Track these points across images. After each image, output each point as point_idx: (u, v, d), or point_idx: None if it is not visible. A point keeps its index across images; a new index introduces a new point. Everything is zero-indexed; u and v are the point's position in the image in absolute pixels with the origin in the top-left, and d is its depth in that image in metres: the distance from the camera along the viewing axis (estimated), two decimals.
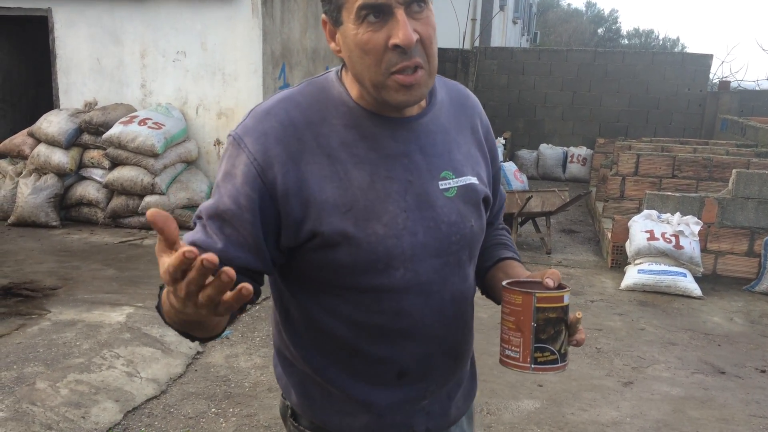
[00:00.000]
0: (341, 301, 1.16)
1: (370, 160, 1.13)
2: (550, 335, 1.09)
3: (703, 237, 5.70)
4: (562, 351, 1.11)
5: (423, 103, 1.21)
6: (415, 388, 1.23)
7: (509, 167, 8.98)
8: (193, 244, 1.08)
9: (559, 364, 1.12)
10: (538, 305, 1.08)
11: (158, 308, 1.07)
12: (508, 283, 1.14)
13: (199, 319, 0.94)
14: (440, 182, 1.17)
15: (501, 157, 9.52)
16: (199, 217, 1.12)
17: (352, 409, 1.22)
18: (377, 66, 1.06)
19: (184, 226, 6.34)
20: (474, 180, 1.22)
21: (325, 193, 1.09)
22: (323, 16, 1.13)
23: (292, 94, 1.16)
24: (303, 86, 1.18)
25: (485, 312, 4.36)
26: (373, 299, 1.15)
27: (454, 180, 1.19)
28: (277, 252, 1.13)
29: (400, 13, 1.04)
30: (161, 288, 1.03)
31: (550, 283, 1.12)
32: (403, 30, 1.03)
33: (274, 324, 1.30)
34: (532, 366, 1.11)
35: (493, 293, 1.34)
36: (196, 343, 3.95)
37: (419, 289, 1.16)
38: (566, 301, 1.11)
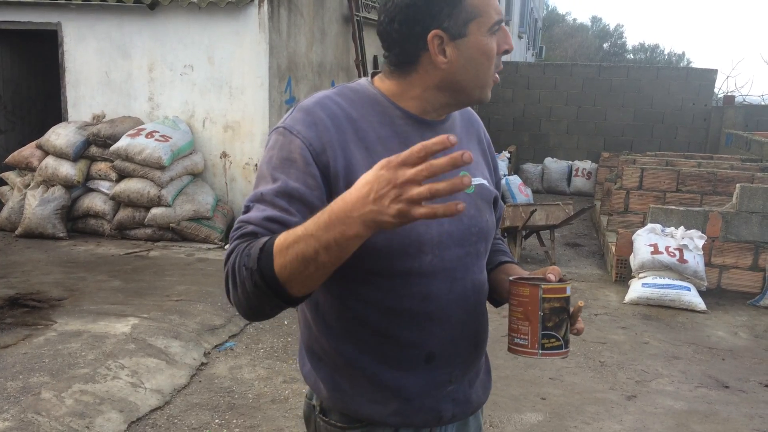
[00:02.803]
0: (372, 287, 1.24)
1: None
2: (555, 323, 1.21)
3: (708, 251, 5.70)
4: (566, 338, 1.23)
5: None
6: (441, 372, 1.31)
7: (514, 181, 9.00)
8: (269, 219, 1.12)
9: (564, 350, 1.23)
10: (544, 296, 1.20)
11: (258, 270, 1.05)
12: (515, 278, 1.27)
13: (349, 244, 0.99)
14: None
15: (506, 171, 9.54)
16: (259, 200, 1.15)
17: (382, 397, 1.28)
18: (491, 68, 1.25)
19: (190, 238, 6.39)
20: (485, 182, 1.36)
21: None
22: (435, 31, 1.20)
23: (330, 94, 1.27)
24: (339, 89, 1.29)
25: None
26: (404, 283, 1.23)
27: (471, 179, 1.27)
28: None
29: (504, 27, 1.26)
30: (261, 250, 1.05)
31: (552, 278, 1.23)
32: (511, 38, 1.27)
33: (303, 321, 1.35)
34: (540, 351, 1.22)
35: (494, 294, 1.44)
36: (201, 353, 3.97)
37: (445, 274, 1.26)
38: (568, 292, 1.23)
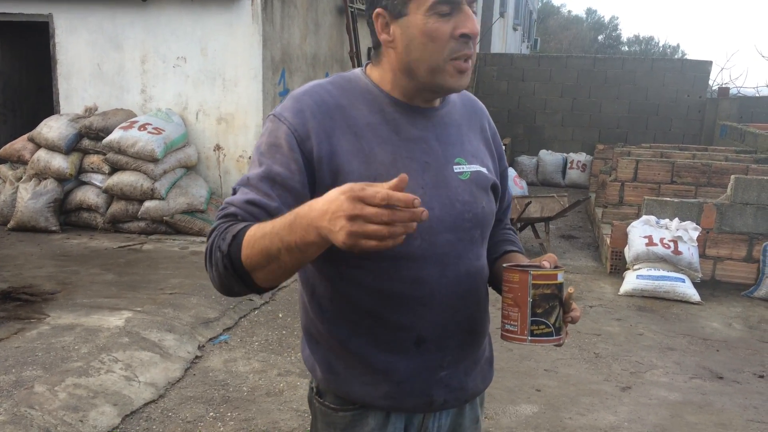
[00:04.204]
0: (362, 271, 1.26)
1: (392, 142, 1.26)
2: (545, 310, 1.20)
3: (702, 242, 5.71)
4: (557, 325, 1.22)
5: (438, 100, 1.34)
6: (432, 356, 1.31)
7: (509, 173, 8.98)
8: (249, 202, 1.18)
9: (554, 337, 1.22)
10: (533, 282, 1.20)
11: (227, 254, 1.12)
12: (508, 265, 1.27)
13: (309, 250, 1.05)
14: (454, 167, 1.31)
15: (504, 151, 9.50)
16: (245, 184, 1.21)
17: (374, 379, 1.30)
18: (440, 52, 1.20)
19: (183, 231, 6.36)
20: (483, 169, 1.35)
21: (352, 166, 1.22)
22: (378, 9, 1.23)
23: (323, 82, 1.30)
24: (332, 78, 1.32)
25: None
26: (393, 267, 1.25)
27: (467, 166, 1.33)
28: None
29: (467, 8, 1.20)
30: (234, 237, 1.11)
31: (546, 264, 1.24)
32: (471, 22, 1.20)
33: (301, 305, 1.40)
34: (529, 338, 1.21)
35: (498, 283, 1.42)
36: (195, 347, 3.95)
37: (436, 259, 1.27)
38: (560, 279, 1.22)
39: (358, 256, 1.22)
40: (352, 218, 0.96)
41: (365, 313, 1.28)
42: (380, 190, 0.96)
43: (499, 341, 1.36)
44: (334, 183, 1.18)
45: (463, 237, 1.30)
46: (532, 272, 1.19)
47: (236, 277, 1.13)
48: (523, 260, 1.39)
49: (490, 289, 1.45)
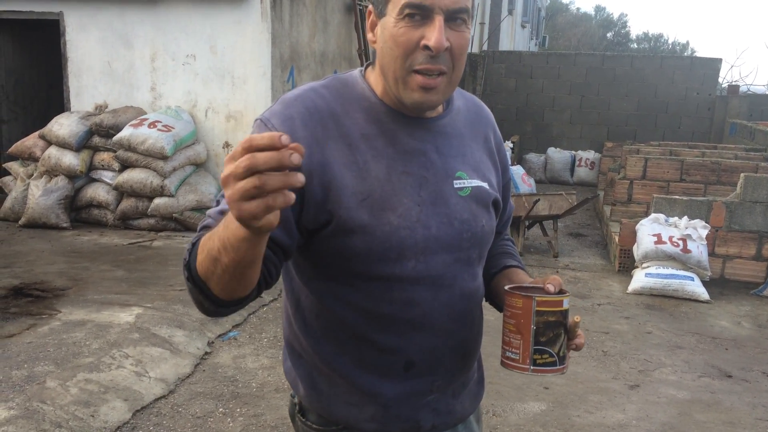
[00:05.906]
0: (352, 290, 1.18)
1: (387, 154, 1.17)
2: (549, 338, 1.13)
3: (711, 241, 5.69)
4: (561, 354, 1.15)
5: (440, 108, 1.26)
6: (421, 380, 1.24)
7: (517, 171, 8.97)
8: (222, 212, 1.09)
9: (558, 367, 1.15)
10: (538, 309, 1.12)
11: (187, 264, 1.07)
12: (510, 288, 1.18)
13: (241, 246, 0.93)
14: (455, 181, 1.22)
15: (509, 162, 9.46)
16: (224, 195, 1.14)
17: (359, 400, 1.23)
18: (403, 60, 1.11)
19: (193, 228, 6.39)
20: (485, 184, 1.26)
21: (344, 179, 1.13)
22: (370, 6, 1.18)
23: (318, 86, 1.21)
24: (328, 80, 1.23)
25: (492, 314, 4.37)
26: (384, 288, 1.18)
27: (468, 181, 1.24)
28: (298, 232, 1.14)
29: (439, 19, 1.09)
30: (193, 245, 1.07)
31: (551, 288, 1.14)
32: (437, 34, 1.09)
33: (285, 316, 1.32)
34: (531, 367, 1.14)
35: (496, 299, 1.37)
36: (205, 343, 3.98)
37: (430, 281, 1.19)
38: (566, 305, 1.14)
39: (348, 274, 1.17)
40: (226, 182, 0.83)
41: (352, 333, 1.21)
42: (243, 140, 0.82)
43: (498, 342, 1.32)
44: (326, 196, 1.12)
45: (460, 257, 1.22)
46: (536, 298, 1.12)
47: (197, 288, 1.06)
48: (525, 278, 1.31)
49: (485, 304, 1.38)
